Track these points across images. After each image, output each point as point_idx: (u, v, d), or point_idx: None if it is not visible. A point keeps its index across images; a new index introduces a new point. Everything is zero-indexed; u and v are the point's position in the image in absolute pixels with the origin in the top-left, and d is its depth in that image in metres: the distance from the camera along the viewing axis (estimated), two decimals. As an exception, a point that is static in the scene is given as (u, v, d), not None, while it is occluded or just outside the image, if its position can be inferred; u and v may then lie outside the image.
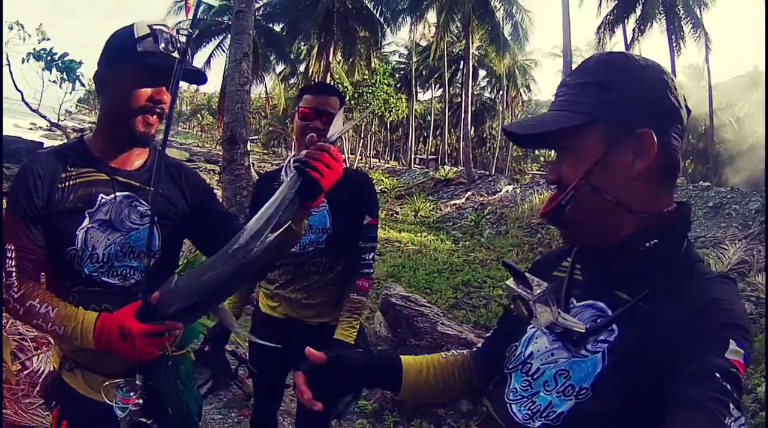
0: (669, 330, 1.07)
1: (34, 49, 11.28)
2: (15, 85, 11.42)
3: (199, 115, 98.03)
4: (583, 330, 1.17)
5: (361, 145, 49.14)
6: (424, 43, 45.57)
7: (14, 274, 1.82)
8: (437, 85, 49.48)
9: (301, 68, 37.02)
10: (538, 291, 1.20)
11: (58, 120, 13.55)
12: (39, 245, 1.87)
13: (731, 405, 0.94)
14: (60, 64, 11.38)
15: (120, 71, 1.84)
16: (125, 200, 1.93)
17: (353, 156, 44.27)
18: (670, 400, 0.99)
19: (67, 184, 1.89)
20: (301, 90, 2.95)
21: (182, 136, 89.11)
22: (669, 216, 1.20)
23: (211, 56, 32.53)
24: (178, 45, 1.76)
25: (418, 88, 49.45)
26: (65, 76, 11.54)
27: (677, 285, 1.13)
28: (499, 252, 13.32)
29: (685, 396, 0.97)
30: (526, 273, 1.26)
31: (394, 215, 21.75)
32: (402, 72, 50.87)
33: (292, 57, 35.62)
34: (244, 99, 9.30)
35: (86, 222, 1.88)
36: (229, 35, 11.02)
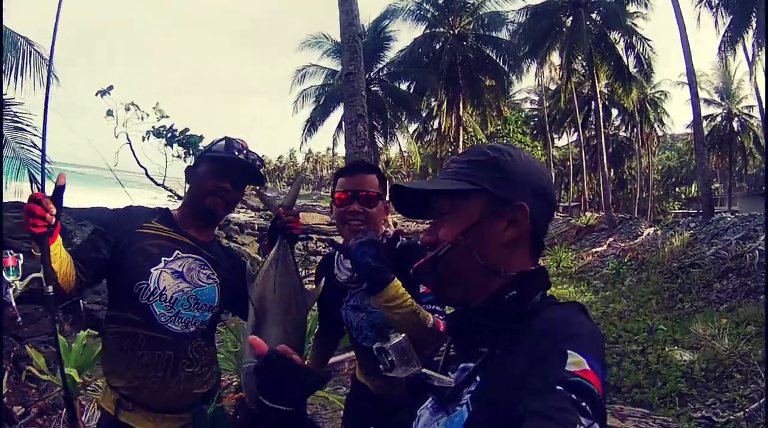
0: (517, 365, 1.11)
1: (153, 127, 11.94)
2: (138, 162, 11.98)
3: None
4: (452, 385, 1.25)
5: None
6: (553, 87, 44.74)
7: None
8: (572, 129, 48.38)
9: (435, 124, 37.22)
10: (396, 341, 1.30)
11: (185, 191, 14.14)
12: (95, 253, 2.36)
13: (578, 414, 0.96)
14: (182, 140, 12.01)
15: (199, 166, 2.58)
16: (196, 261, 2.49)
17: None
18: (520, 422, 0.99)
19: (151, 231, 2.47)
20: (334, 175, 2.82)
21: (325, 200, 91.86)
22: (529, 273, 1.30)
23: (342, 120, 33.13)
24: (245, 152, 2.55)
25: (553, 133, 48.63)
26: (188, 151, 12.15)
27: (529, 327, 1.18)
28: (639, 302, 12.67)
29: (531, 412, 0.99)
30: (388, 330, 1.35)
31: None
32: (536, 119, 50.28)
33: (423, 114, 35.86)
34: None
35: (161, 265, 2.39)
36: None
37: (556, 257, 21.53)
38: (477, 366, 1.24)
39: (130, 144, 11.38)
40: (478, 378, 1.22)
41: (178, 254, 2.45)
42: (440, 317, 2.34)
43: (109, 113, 10.47)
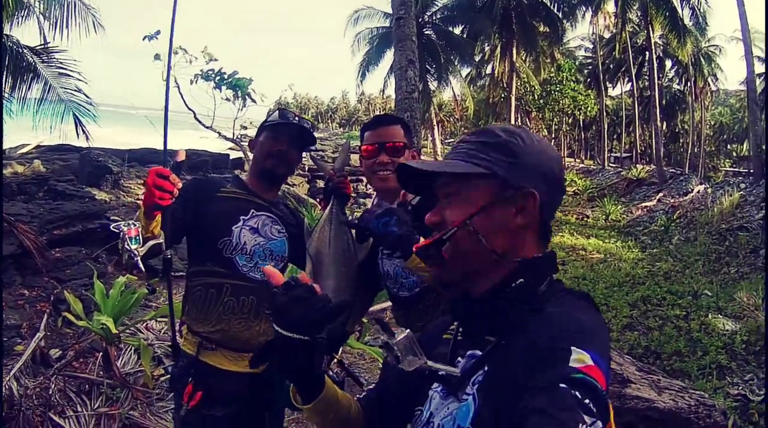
0: (522, 359, 1.10)
1: (201, 70, 11.92)
2: (186, 105, 12.00)
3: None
4: (458, 374, 1.25)
5: (554, 145, 47.71)
6: (607, 35, 43.48)
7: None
8: (626, 79, 47.07)
9: (488, 70, 36.80)
10: (401, 337, 1.27)
11: (233, 135, 14.21)
12: (180, 214, 2.56)
13: (582, 413, 0.94)
14: (230, 82, 11.98)
15: (259, 136, 2.88)
16: (268, 218, 2.82)
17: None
18: (524, 419, 0.98)
19: (228, 194, 2.79)
20: (360, 130, 2.87)
21: None
22: (536, 259, 1.29)
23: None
24: (297, 118, 2.84)
25: (607, 82, 47.43)
26: (237, 94, 12.14)
27: (536, 317, 1.18)
28: (686, 263, 12.53)
29: (533, 410, 0.97)
30: (393, 328, 1.32)
31: (585, 219, 21.10)
32: (589, 67, 49.18)
33: (476, 59, 35.53)
34: (413, 107, 9.20)
35: (240, 223, 2.72)
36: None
37: (605, 209, 21.46)
38: (484, 355, 1.24)
39: (178, 87, 11.53)
40: (486, 368, 1.22)
41: (253, 212, 2.78)
42: None
43: (157, 57, 10.63)
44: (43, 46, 11.25)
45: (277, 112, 2.89)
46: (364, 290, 3.05)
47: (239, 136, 14.84)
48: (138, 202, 15.64)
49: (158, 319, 6.15)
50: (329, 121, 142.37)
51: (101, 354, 5.25)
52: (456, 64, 33.64)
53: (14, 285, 8.59)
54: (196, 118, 12.63)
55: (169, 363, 3.52)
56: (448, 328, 1.48)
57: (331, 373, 4.89)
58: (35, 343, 5.45)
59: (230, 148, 23.96)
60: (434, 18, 32.50)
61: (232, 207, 2.76)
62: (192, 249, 2.81)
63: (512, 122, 32.73)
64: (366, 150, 2.68)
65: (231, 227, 2.70)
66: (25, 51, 10.85)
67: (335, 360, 3.24)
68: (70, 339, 6.47)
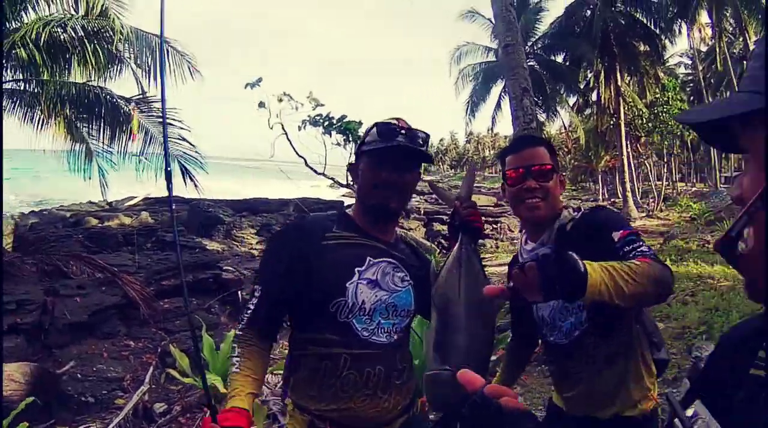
0: None
1: (309, 115, 11.83)
2: (296, 152, 12.08)
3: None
4: None
5: (665, 169, 45.91)
6: (704, 49, 42.09)
7: (250, 312, 2.18)
8: (728, 92, 44.93)
9: (593, 97, 35.94)
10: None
11: (346, 180, 14.12)
12: (288, 294, 2.18)
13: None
14: (340, 127, 11.79)
15: (359, 162, 2.32)
16: (389, 265, 2.26)
17: (660, 182, 41.46)
18: None
19: (336, 241, 2.22)
20: (500, 154, 2.57)
21: (489, 181, 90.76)
22: None
23: (500, 98, 32.67)
24: (402, 132, 2.22)
25: (710, 98, 45.39)
26: (348, 138, 12.00)
27: None
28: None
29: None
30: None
31: (706, 245, 19.75)
32: (691, 84, 47.34)
33: (581, 86, 34.85)
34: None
35: (355, 277, 2.17)
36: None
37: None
38: None
39: (286, 134, 11.32)
40: None
41: (369, 261, 2.24)
42: (651, 257, 1.98)
43: (261, 105, 10.44)
44: (140, 96, 11.29)
45: (375, 128, 2.29)
46: (520, 342, 2.84)
47: (352, 182, 14.66)
48: (252, 251, 15.70)
49: (274, 372, 5.64)
50: (440, 163, 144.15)
51: (210, 411, 4.79)
52: (561, 92, 33.11)
53: (118, 336, 8.56)
54: (308, 165, 12.59)
55: (285, 421, 3.14)
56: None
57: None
58: (138, 396, 5.18)
59: (344, 195, 23.96)
60: (535, 48, 32.19)
61: (344, 257, 2.22)
62: (296, 313, 2.27)
63: (624, 150, 32.16)
64: (510, 176, 2.38)
65: (345, 284, 2.17)
66: (120, 102, 10.96)
67: None
68: (176, 393, 6.19)
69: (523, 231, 2.55)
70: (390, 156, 2.20)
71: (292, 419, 2.22)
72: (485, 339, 1.96)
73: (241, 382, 2.04)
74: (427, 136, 2.29)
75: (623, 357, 2.30)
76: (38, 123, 11.04)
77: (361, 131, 11.92)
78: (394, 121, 2.25)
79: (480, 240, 2.23)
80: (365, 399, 2.13)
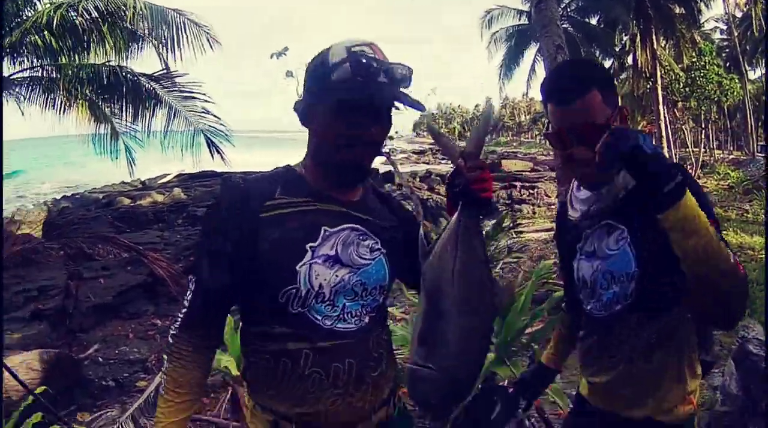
0: None
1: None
2: None
3: (540, 123, 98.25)
4: None
5: (702, 135, 45.00)
6: (739, 14, 41.15)
7: (185, 311, 1.69)
8: (765, 59, 43.87)
9: (629, 60, 35.18)
10: None
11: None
12: (228, 286, 1.67)
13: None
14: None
15: (320, 101, 1.66)
16: (352, 232, 1.72)
17: (696, 149, 40.50)
18: None
19: (279, 211, 1.67)
20: (540, 89, 1.95)
21: (526, 147, 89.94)
22: None
23: (534, 62, 32.18)
24: (380, 68, 1.60)
25: (746, 65, 44.22)
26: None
27: None
28: None
29: None
30: None
31: (745, 214, 19.22)
32: (727, 50, 46.17)
33: (616, 50, 34.09)
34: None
35: (308, 257, 1.64)
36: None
37: (764, 202, 19.52)
38: None
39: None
40: None
41: (325, 232, 1.67)
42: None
43: (289, 74, 10.27)
44: (162, 72, 11.15)
45: (348, 62, 1.61)
46: (573, 309, 2.29)
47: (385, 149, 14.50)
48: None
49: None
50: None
51: (229, 393, 4.74)
52: (597, 55, 32.10)
53: (145, 315, 8.48)
54: None
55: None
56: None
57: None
58: (160, 377, 5.01)
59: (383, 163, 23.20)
60: (568, 10, 31.38)
61: (290, 232, 1.66)
62: (241, 304, 1.77)
63: (661, 115, 31.49)
64: (552, 135, 1.87)
65: (295, 267, 1.62)
66: (141, 79, 10.90)
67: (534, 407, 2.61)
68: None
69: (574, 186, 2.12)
70: (369, 102, 1.62)
71: (254, 418, 1.80)
72: (479, 338, 1.63)
73: (163, 409, 1.66)
74: (410, 70, 1.68)
75: (666, 349, 1.88)
76: (60, 107, 10.96)
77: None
78: (369, 51, 1.64)
79: (486, 214, 1.84)
80: (335, 399, 1.70)
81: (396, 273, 1.83)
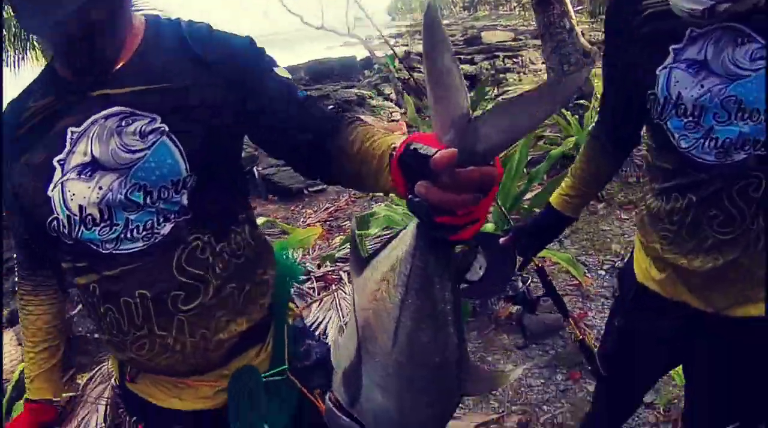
0: None
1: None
2: (289, 10, 11.90)
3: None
4: None
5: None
6: None
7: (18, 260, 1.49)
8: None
9: None
10: None
11: (348, 29, 13.65)
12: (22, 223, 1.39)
13: None
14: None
15: None
16: (107, 121, 1.21)
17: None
18: None
19: (28, 128, 1.27)
20: None
21: (505, 19, 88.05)
22: None
23: None
24: None
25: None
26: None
27: None
28: None
29: None
30: None
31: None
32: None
33: None
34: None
35: (57, 175, 1.23)
36: None
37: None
38: None
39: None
40: None
41: (72, 134, 1.23)
42: None
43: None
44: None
45: None
46: (612, 139, 1.68)
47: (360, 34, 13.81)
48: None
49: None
50: (452, 6, 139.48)
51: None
52: None
53: None
54: (305, 22, 12.20)
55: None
56: None
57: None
58: None
59: (365, 57, 21.43)
60: None
61: (36, 149, 1.27)
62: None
63: None
64: None
65: (47, 192, 1.25)
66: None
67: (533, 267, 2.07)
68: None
69: None
70: None
71: (114, 360, 1.54)
72: (434, 406, 0.98)
73: (28, 365, 1.51)
74: None
75: None
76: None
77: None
78: None
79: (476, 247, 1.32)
80: (141, 343, 1.32)
81: (208, 150, 1.27)
